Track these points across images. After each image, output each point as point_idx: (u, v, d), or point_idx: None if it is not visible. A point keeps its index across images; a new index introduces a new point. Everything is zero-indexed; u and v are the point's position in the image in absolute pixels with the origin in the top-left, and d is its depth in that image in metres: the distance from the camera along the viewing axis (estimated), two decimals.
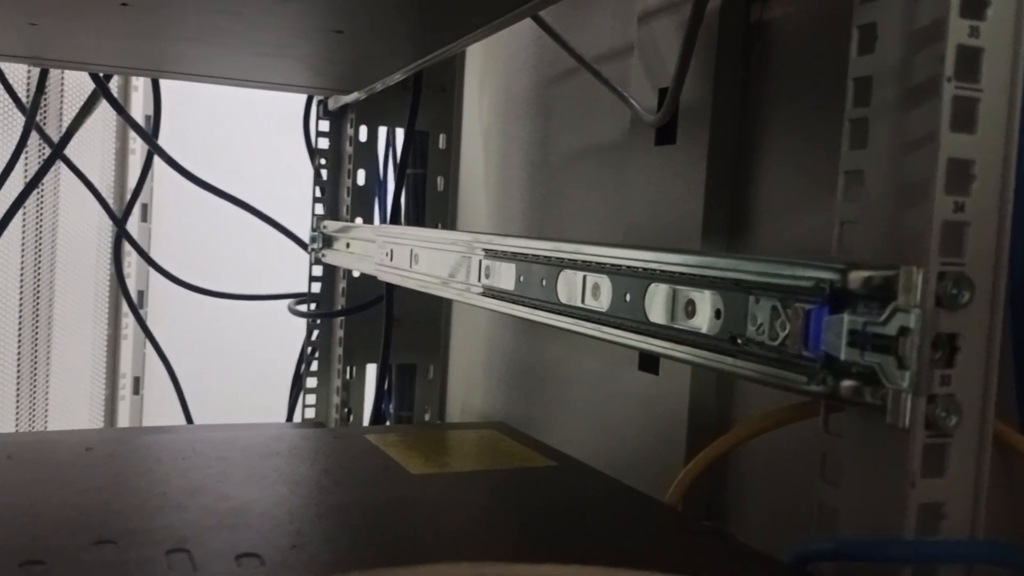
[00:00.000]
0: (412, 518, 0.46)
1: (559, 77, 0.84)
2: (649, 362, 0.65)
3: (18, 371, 1.59)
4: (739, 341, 0.42)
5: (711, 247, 0.60)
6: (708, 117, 0.60)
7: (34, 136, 0.98)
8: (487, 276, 0.65)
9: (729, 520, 0.60)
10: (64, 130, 0.96)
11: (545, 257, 0.57)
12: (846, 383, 0.37)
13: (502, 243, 0.63)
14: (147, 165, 1.08)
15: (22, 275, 1.57)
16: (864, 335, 0.36)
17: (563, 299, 0.56)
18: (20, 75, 1.36)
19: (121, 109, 1.00)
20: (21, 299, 1.57)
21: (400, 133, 1.00)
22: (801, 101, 0.57)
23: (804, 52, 0.57)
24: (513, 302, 0.61)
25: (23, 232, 1.56)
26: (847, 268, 0.37)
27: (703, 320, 0.45)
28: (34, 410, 1.59)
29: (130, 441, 0.56)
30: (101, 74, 0.93)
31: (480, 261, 0.66)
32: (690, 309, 0.46)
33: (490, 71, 0.99)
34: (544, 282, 0.58)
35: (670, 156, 0.63)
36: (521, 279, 0.60)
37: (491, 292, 0.64)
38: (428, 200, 1.02)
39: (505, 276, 0.62)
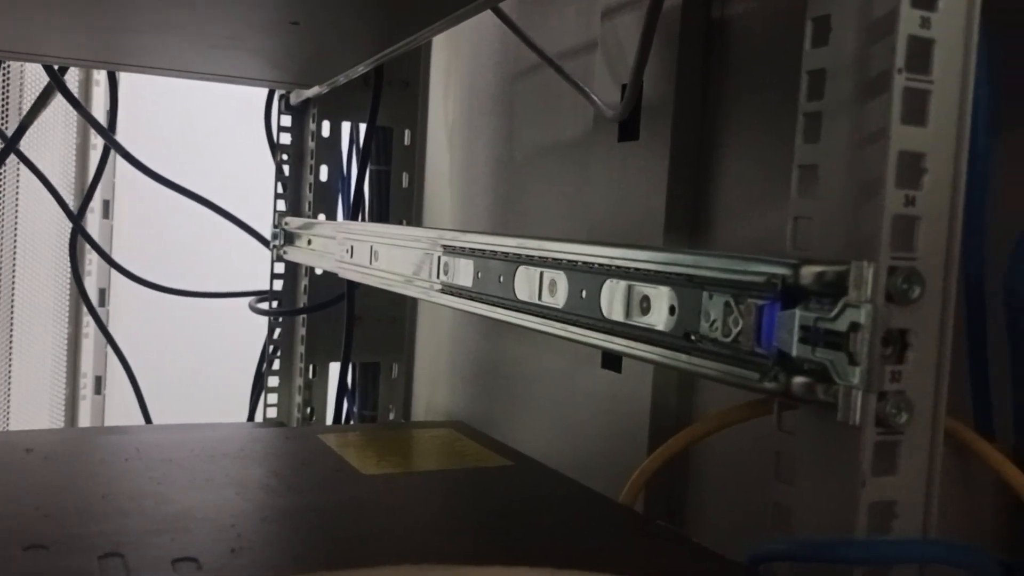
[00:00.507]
0: (360, 520, 0.45)
1: (523, 73, 0.83)
2: (612, 360, 0.64)
3: None
4: (693, 338, 0.42)
5: (673, 244, 0.59)
6: (671, 113, 0.60)
7: None
8: (446, 273, 0.64)
9: (689, 521, 0.60)
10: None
11: (503, 253, 0.57)
12: (798, 380, 0.36)
13: (460, 239, 0.62)
14: (103, 161, 1.06)
15: None
16: (816, 331, 0.35)
17: (521, 296, 0.55)
18: None
19: (76, 103, 0.98)
20: None
21: (364, 128, 0.99)
22: (762, 97, 0.56)
23: (765, 48, 0.56)
24: (471, 299, 0.60)
25: None
26: (799, 263, 0.36)
27: (658, 317, 0.44)
28: None
29: (75, 442, 0.54)
30: (56, 67, 0.91)
31: (439, 258, 0.65)
32: (645, 305, 0.45)
33: (455, 67, 0.97)
34: (502, 279, 0.57)
35: (633, 152, 0.62)
36: (479, 276, 0.59)
37: (449, 289, 0.63)
38: (392, 197, 1.01)
39: (463, 273, 0.61)
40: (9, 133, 0.97)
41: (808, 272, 0.36)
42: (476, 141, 0.91)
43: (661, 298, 0.44)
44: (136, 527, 0.41)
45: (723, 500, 0.58)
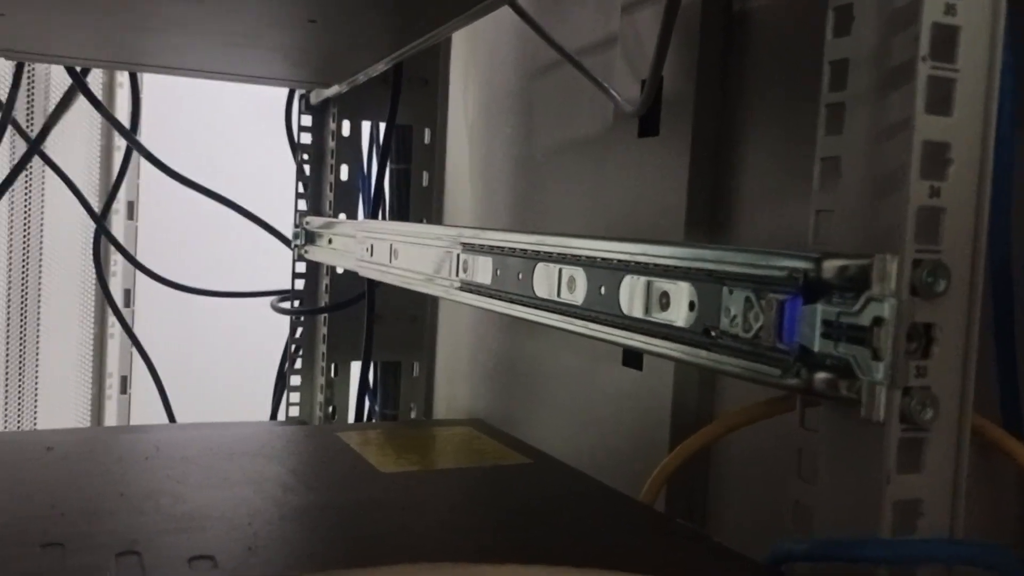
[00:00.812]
0: (378, 519, 0.44)
1: (542, 69, 0.83)
2: (633, 358, 0.63)
3: (6, 370, 1.58)
4: (713, 334, 0.41)
5: (693, 240, 0.59)
6: (691, 108, 0.59)
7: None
8: (465, 271, 0.63)
9: (710, 519, 0.59)
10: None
11: (521, 250, 0.56)
12: (820, 376, 0.35)
13: (479, 237, 0.61)
14: (126, 162, 1.07)
15: (9, 273, 1.56)
16: (839, 326, 0.34)
17: (539, 293, 0.55)
18: (7, 71, 1.34)
19: (98, 104, 0.98)
20: (9, 297, 1.56)
21: (384, 127, 0.98)
22: (784, 91, 0.55)
23: (787, 41, 0.55)
24: (490, 296, 0.60)
25: (10, 230, 1.55)
26: (821, 257, 0.35)
27: (677, 313, 0.43)
28: (22, 410, 1.58)
29: (94, 441, 0.54)
30: (78, 68, 0.92)
31: (458, 255, 0.64)
32: (664, 301, 0.44)
33: (474, 64, 0.97)
34: (520, 276, 0.56)
35: (653, 148, 0.62)
36: (498, 273, 0.59)
37: (468, 287, 0.63)
38: (412, 195, 1.01)
39: (482, 270, 0.61)
40: (35, 135, 0.98)
41: (830, 266, 0.35)
42: (495, 138, 0.91)
43: (681, 294, 0.43)
44: (153, 525, 0.41)
45: (745, 498, 0.57)
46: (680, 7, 0.54)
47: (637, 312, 0.46)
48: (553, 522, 0.46)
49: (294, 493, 0.47)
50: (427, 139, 1.01)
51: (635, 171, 0.63)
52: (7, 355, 1.58)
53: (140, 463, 0.50)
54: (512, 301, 0.57)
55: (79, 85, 0.91)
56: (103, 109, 1.01)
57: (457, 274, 0.64)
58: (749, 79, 0.58)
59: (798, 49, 0.54)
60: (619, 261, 0.47)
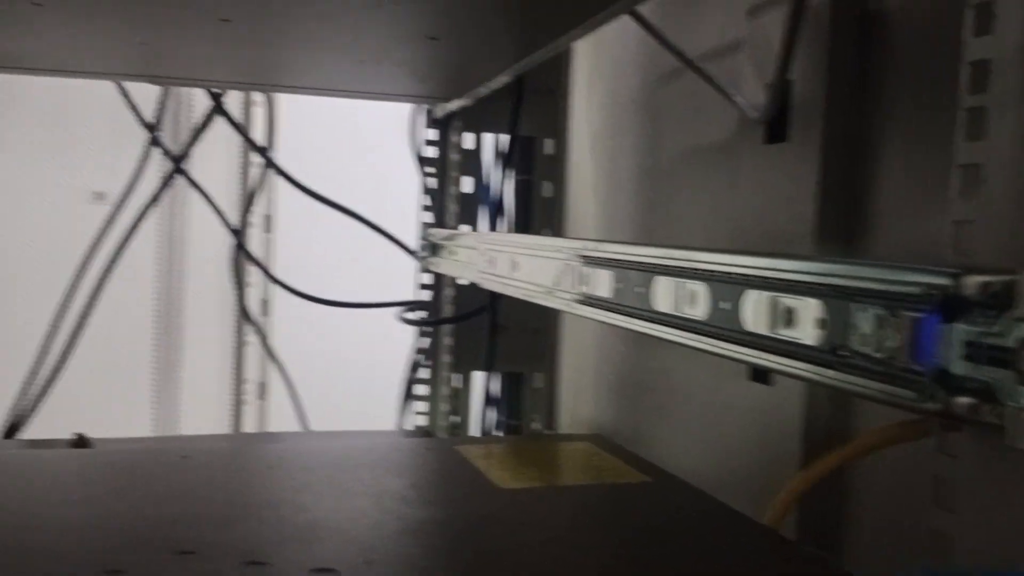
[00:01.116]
0: (494, 535, 0.44)
1: (667, 76, 0.81)
2: (761, 372, 0.61)
3: (154, 377, 1.67)
4: (842, 353, 0.39)
5: (824, 252, 0.56)
6: (821, 112, 0.56)
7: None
8: (585, 284, 0.63)
9: (844, 547, 0.56)
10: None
11: (642, 263, 0.55)
12: (960, 400, 0.33)
13: (599, 249, 0.61)
14: (262, 178, 1.11)
15: (157, 284, 1.65)
16: (980, 347, 0.32)
17: (660, 307, 0.53)
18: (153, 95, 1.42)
19: (234, 123, 1.03)
20: (156, 308, 1.65)
21: (510, 139, 0.99)
22: (924, 94, 0.52)
23: (927, 41, 0.52)
24: (610, 310, 0.59)
25: (157, 244, 1.64)
26: (961, 273, 0.33)
27: (803, 330, 0.41)
28: (167, 415, 1.66)
29: (226, 450, 0.56)
30: (216, 91, 0.96)
31: (578, 268, 0.64)
32: (789, 318, 0.42)
33: (597, 73, 0.96)
34: (641, 289, 0.55)
35: (781, 154, 0.59)
36: (618, 286, 0.58)
37: (588, 300, 0.62)
38: (535, 207, 1.01)
39: (602, 283, 0.60)
40: (179, 154, 1.03)
41: (971, 282, 0.33)
42: (620, 148, 0.90)
43: (807, 310, 0.41)
44: (276, 535, 0.42)
45: (881, 525, 0.54)
46: (811, 9, 0.52)
47: (761, 328, 0.44)
48: (672, 543, 0.45)
49: (413, 506, 0.48)
50: (550, 150, 1.01)
51: (762, 179, 0.61)
52: (156, 362, 1.67)
53: (265, 472, 0.52)
54: (632, 315, 0.56)
55: (218, 108, 0.95)
56: (239, 127, 1.05)
57: (577, 287, 0.64)
58: (886, 81, 0.55)
59: (940, 49, 0.51)
60: (742, 275, 0.46)
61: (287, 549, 0.40)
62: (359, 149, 1.69)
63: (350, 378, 1.66)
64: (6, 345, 1.24)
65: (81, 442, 0.78)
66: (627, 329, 0.57)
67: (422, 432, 1.05)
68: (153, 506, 0.46)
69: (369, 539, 0.42)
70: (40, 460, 0.54)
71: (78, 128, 1.64)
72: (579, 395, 0.99)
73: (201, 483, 0.50)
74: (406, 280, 1.14)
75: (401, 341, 1.16)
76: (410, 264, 1.11)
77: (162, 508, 0.46)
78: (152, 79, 0.87)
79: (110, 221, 1.03)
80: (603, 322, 0.59)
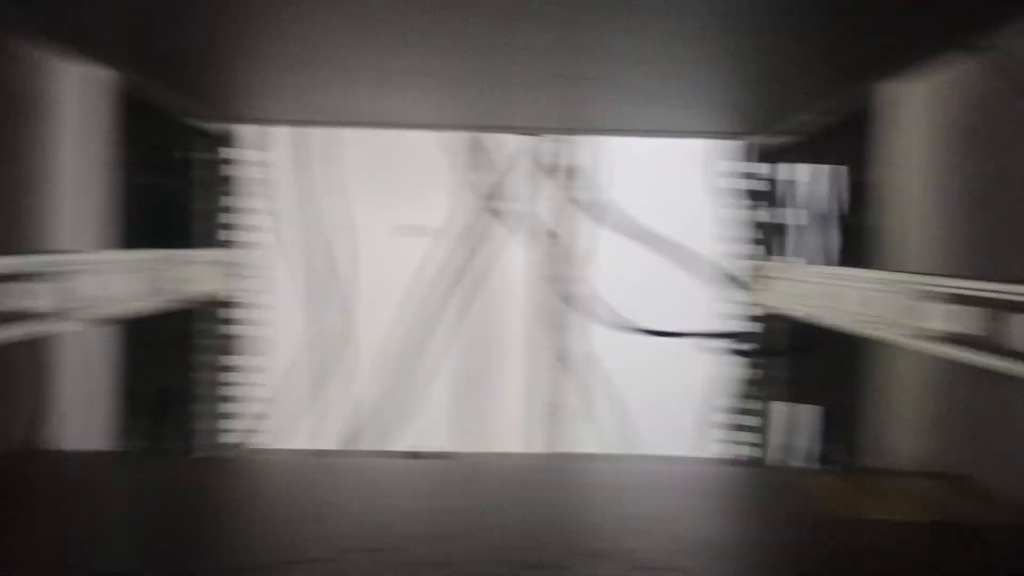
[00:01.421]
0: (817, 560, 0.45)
1: (995, 99, 0.78)
2: None
3: (464, 396, 1.79)
4: None
5: None
6: None
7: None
8: (919, 318, 0.62)
9: None
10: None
11: (985, 299, 0.54)
12: None
13: (933, 283, 0.60)
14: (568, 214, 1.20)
15: (467, 302, 1.78)
16: None
17: (1013, 343, 0.52)
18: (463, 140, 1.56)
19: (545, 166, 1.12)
20: (466, 324, 1.78)
21: (833, 172, 0.99)
22: None
23: None
24: (959, 344, 0.58)
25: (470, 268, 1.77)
26: None
27: None
28: (476, 433, 1.78)
29: (570, 467, 0.61)
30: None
31: (911, 302, 0.63)
32: None
33: (924, 101, 0.93)
34: (985, 324, 0.54)
35: None
36: (958, 321, 0.57)
37: (924, 334, 0.61)
38: (861, 239, 0.99)
39: (939, 318, 0.59)
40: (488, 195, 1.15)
41: None
42: (950, 176, 0.87)
43: None
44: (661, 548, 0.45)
45: None
46: None
47: None
48: None
49: (767, 531, 0.50)
50: (874, 181, 0.99)
51: None
52: (467, 379, 1.79)
53: (633, 490, 0.55)
54: (979, 349, 0.55)
55: (529, 152, 1.06)
56: (549, 171, 1.15)
57: (912, 321, 0.63)
58: None
59: None
60: None
61: (676, 565, 0.44)
62: (668, 184, 1.73)
63: (661, 404, 1.69)
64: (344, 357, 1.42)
65: (415, 455, 0.88)
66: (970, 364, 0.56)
67: (745, 463, 1.06)
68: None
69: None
70: (409, 468, 0.62)
71: (397, 170, 1.83)
72: (906, 429, 0.95)
73: (568, 497, 0.55)
74: (692, 309, 1.16)
75: (697, 369, 1.19)
76: (698, 293, 1.14)
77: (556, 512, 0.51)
78: (477, 128, 0.98)
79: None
80: (944, 357, 0.58)
